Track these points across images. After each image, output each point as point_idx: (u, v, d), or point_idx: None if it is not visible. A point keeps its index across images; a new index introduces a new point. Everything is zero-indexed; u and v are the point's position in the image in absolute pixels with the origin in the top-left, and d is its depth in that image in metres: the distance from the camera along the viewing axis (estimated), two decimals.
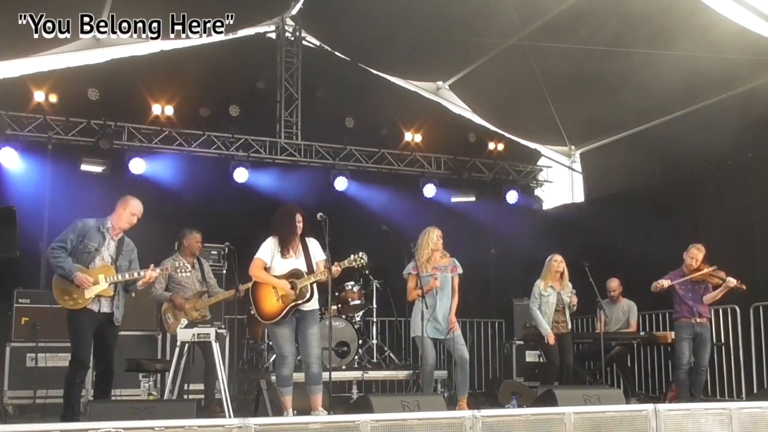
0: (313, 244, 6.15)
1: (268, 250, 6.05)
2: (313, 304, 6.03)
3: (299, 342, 6.05)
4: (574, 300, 7.76)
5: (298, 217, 6.03)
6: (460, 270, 7.06)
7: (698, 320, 7.38)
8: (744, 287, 7.37)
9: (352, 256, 6.15)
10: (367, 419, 4.23)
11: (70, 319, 5.59)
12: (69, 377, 5.58)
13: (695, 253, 7.39)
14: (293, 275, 5.98)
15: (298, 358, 6.32)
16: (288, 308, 5.91)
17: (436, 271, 6.93)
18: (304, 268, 6.01)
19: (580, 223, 11.00)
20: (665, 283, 7.36)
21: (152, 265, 5.79)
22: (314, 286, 6.01)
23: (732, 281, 7.29)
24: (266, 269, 6.03)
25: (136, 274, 5.71)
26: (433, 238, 6.98)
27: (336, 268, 6.01)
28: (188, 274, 6.65)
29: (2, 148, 8.63)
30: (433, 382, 7.07)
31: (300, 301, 5.92)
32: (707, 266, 7.37)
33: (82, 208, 6.76)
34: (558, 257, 7.83)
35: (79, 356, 5.59)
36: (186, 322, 6.84)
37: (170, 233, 7.53)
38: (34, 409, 7.07)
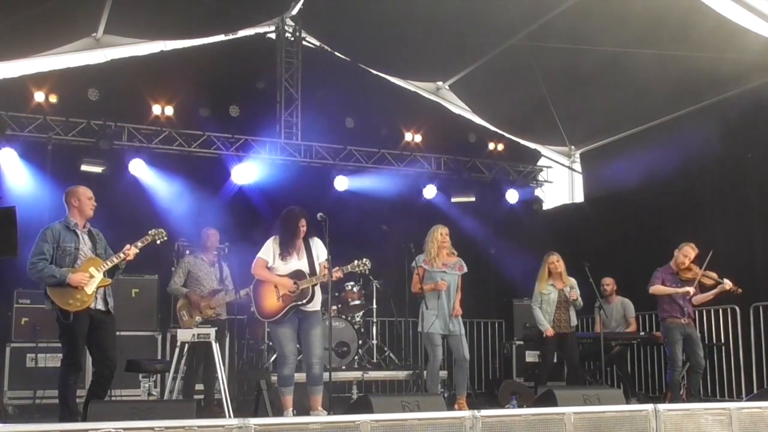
0: (316, 243, 6.15)
1: (269, 250, 6.06)
2: (315, 305, 6.03)
3: (302, 342, 6.06)
4: (574, 294, 7.74)
5: (302, 222, 6.04)
6: (465, 269, 7.19)
7: (686, 320, 7.34)
8: (740, 291, 7.33)
9: (355, 261, 6.18)
10: (367, 419, 4.23)
11: (64, 322, 5.51)
12: (63, 379, 5.53)
13: (688, 251, 7.38)
14: (295, 277, 5.98)
15: (299, 357, 6.33)
16: (288, 308, 5.92)
17: (446, 268, 7.01)
18: (306, 269, 6.01)
19: (580, 223, 11.02)
20: (691, 290, 7.30)
21: (128, 245, 5.75)
22: (316, 287, 6.02)
23: (728, 284, 7.26)
24: (268, 269, 6.04)
25: (122, 256, 5.68)
26: (437, 236, 7.07)
27: (338, 274, 6.03)
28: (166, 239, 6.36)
29: (2, 148, 8.63)
30: (439, 378, 7.09)
31: (300, 302, 5.93)
32: (697, 266, 7.37)
33: None
34: (553, 258, 7.84)
35: (74, 359, 5.54)
36: (200, 320, 6.88)
37: (169, 233, 7.53)
38: (34, 409, 7.08)
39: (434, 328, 6.95)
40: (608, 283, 8.85)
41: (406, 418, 4.38)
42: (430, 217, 10.06)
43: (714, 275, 7.34)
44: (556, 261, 7.81)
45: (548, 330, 7.63)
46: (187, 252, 8.11)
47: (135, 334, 7.93)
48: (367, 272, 6.33)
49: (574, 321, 7.82)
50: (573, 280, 7.85)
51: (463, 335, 7.05)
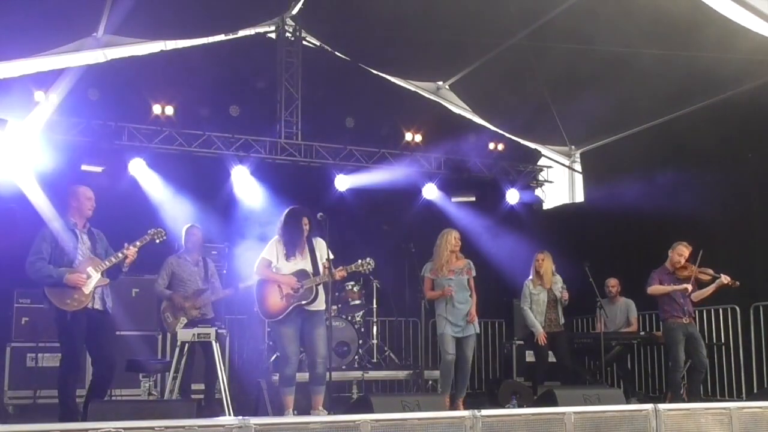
0: (319, 243, 6.15)
1: (273, 250, 6.06)
2: (319, 305, 6.02)
3: (305, 342, 6.05)
4: (566, 295, 7.75)
5: (305, 221, 6.03)
6: (473, 273, 7.21)
7: (688, 320, 7.34)
8: (737, 284, 7.32)
9: (359, 261, 6.16)
10: (367, 419, 4.23)
11: (61, 322, 5.52)
12: (62, 379, 5.54)
13: (683, 250, 7.39)
14: (299, 276, 5.99)
15: (301, 357, 6.33)
16: (291, 307, 5.92)
17: (452, 274, 7.02)
18: (310, 269, 6.01)
19: (580, 223, 11.01)
20: (689, 287, 7.31)
21: (126, 244, 5.74)
22: (319, 287, 6.01)
23: (726, 278, 7.26)
24: (271, 269, 6.03)
25: (120, 255, 5.68)
26: (451, 240, 7.10)
27: (341, 273, 6.03)
28: (165, 238, 6.35)
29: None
30: (451, 378, 7.10)
31: (303, 302, 5.93)
32: (692, 264, 7.37)
33: None
34: (539, 255, 7.85)
35: (73, 359, 5.56)
36: (186, 321, 6.85)
37: (169, 233, 7.53)
38: (34, 409, 7.08)
39: (446, 330, 7.00)
40: (613, 285, 8.84)
41: (406, 417, 4.38)
42: (431, 216, 10.10)
43: (710, 271, 7.35)
44: (540, 259, 7.82)
45: (541, 336, 7.66)
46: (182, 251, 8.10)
47: (135, 334, 7.93)
48: (370, 272, 6.32)
49: (562, 320, 7.84)
50: (558, 277, 7.84)
51: (472, 337, 7.09)
